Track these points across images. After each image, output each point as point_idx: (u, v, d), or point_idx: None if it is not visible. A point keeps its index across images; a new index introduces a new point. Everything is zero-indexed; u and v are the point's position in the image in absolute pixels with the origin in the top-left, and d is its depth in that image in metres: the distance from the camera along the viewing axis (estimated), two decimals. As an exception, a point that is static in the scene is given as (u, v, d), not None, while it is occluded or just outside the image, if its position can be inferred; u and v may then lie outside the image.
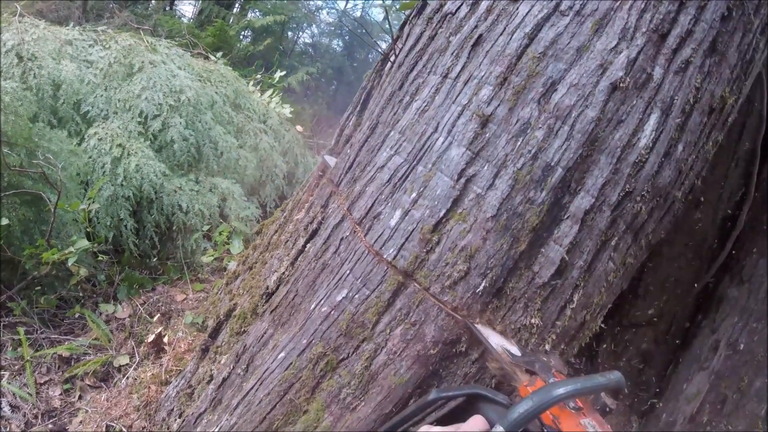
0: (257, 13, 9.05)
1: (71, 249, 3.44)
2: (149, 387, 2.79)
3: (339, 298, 1.56)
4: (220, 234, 4.07)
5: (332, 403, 1.51)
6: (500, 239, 1.35)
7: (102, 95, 4.30)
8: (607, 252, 1.41)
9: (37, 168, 3.54)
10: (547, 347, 1.40)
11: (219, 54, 5.78)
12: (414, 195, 1.49)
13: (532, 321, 1.37)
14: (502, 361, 1.25)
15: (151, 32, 5.56)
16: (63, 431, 2.83)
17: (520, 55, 1.44)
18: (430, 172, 1.48)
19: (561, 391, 1.03)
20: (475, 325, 1.35)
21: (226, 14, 7.91)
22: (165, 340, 3.20)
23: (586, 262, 1.39)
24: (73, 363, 3.32)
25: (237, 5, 9.33)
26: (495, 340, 1.33)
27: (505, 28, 1.49)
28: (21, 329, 3.41)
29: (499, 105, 1.42)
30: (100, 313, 3.70)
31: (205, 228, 4.23)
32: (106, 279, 4.06)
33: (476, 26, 1.57)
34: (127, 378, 3.09)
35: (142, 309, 3.72)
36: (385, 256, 1.48)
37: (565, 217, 1.36)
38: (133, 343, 3.37)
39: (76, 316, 3.70)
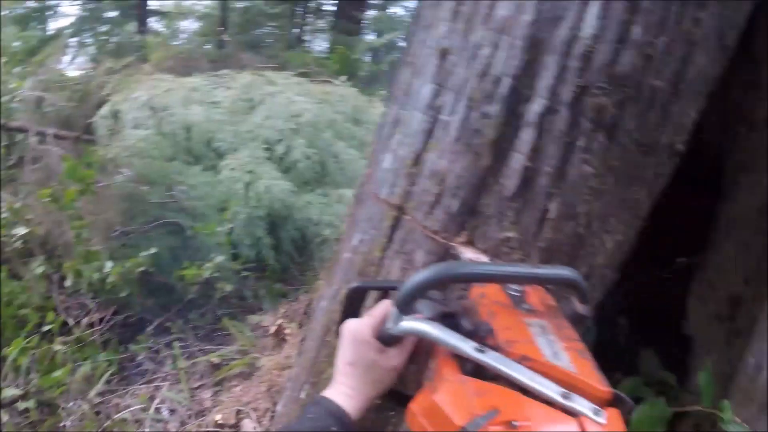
0: (374, 35, 9.45)
1: (207, 264, 3.82)
2: (272, 372, 3.05)
3: (355, 242, 1.67)
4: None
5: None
6: (464, 158, 1.37)
7: (229, 130, 4.75)
8: (576, 155, 1.32)
9: (172, 200, 4.00)
10: (534, 261, 1.39)
11: (343, 78, 6.10)
12: (398, 136, 1.55)
13: (509, 235, 1.36)
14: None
15: (279, 69, 5.99)
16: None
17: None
18: (408, 113, 1.54)
19: (470, 269, 1.01)
20: (453, 244, 1.39)
21: (350, 41, 8.30)
22: (287, 331, 3.45)
23: (553, 167, 1.31)
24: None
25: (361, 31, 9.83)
26: (468, 256, 1.35)
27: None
28: (176, 344, 3.85)
29: (455, 36, 1.46)
30: (249, 324, 4.05)
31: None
32: (252, 294, 4.45)
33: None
34: (259, 369, 3.37)
35: (282, 318, 4.00)
36: (382, 196, 1.57)
37: (523, 125, 1.35)
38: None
39: (227, 329, 4.10)
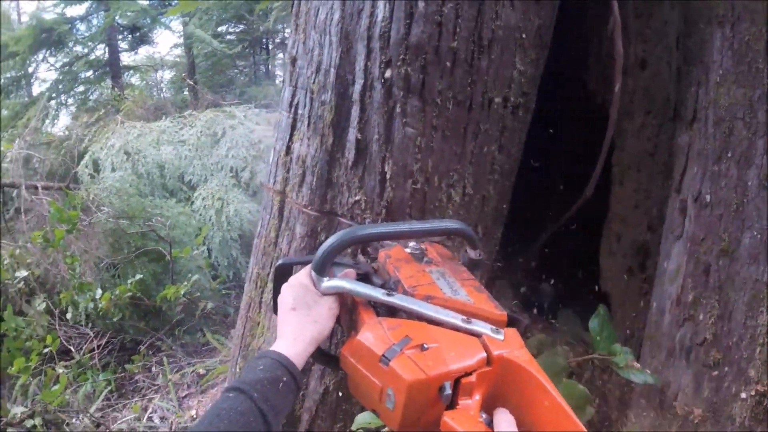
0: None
1: (185, 283, 4.21)
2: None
3: (259, 228, 2.05)
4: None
5: (267, 310, 1.98)
6: (315, 141, 1.74)
7: (198, 164, 5.18)
8: (397, 120, 1.66)
9: (149, 229, 4.41)
10: (381, 218, 1.71)
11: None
12: (276, 134, 1.96)
13: (357, 198, 1.73)
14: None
15: (242, 103, 6.42)
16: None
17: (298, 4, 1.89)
18: (280, 114, 1.94)
19: (366, 230, 1.18)
20: (319, 214, 1.76)
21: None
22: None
23: (380, 134, 1.67)
24: (208, 377, 4.06)
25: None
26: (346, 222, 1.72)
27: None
28: (165, 359, 4.25)
29: (298, 45, 1.85)
30: (231, 337, 4.43)
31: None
32: (234, 309, 4.82)
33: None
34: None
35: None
36: (270, 185, 1.95)
37: (351, 104, 1.70)
38: (254, 352, 4.04)
39: (211, 342, 4.49)
